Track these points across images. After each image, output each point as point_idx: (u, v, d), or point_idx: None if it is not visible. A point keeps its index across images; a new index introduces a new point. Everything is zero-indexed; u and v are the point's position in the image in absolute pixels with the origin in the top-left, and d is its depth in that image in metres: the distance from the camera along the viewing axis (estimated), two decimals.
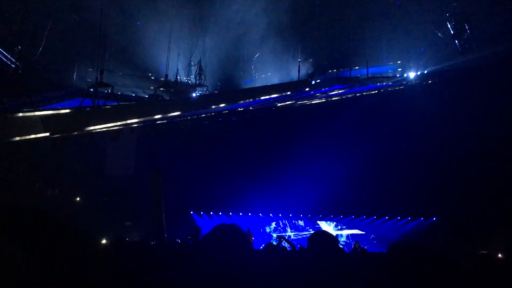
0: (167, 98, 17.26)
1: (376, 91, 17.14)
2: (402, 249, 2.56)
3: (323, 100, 17.35)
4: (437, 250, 2.46)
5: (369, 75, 14.98)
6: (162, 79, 17.33)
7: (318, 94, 16.63)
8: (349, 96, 17.28)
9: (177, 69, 17.38)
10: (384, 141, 17.30)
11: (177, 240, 9.41)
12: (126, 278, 2.45)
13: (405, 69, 15.92)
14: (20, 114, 14.84)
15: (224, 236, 2.05)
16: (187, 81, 17.55)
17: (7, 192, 15.00)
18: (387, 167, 17.65)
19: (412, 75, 15.49)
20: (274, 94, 16.22)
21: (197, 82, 17.63)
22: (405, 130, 17.07)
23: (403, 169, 17.48)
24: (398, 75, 15.88)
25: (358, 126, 18.29)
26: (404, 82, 15.68)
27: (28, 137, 15.22)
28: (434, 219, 19.48)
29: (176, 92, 16.88)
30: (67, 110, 15.77)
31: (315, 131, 17.41)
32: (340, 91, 16.59)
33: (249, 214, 21.27)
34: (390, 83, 15.80)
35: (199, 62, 17.07)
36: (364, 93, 17.18)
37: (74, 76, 16.42)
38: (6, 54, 14.85)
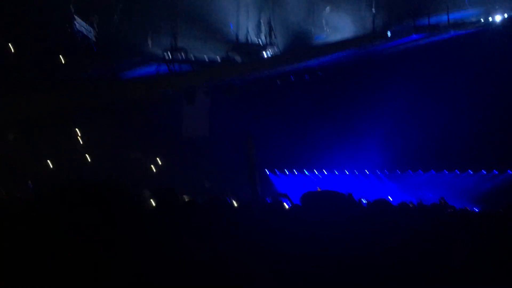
0: (239, 59, 17.70)
1: (456, 39, 16.41)
2: None
3: (399, 52, 16.92)
4: None
5: (450, 22, 14.33)
6: (233, 40, 17.73)
7: (394, 46, 16.24)
8: (427, 45, 16.69)
9: (247, 29, 17.61)
10: (463, 93, 16.55)
11: (267, 199, 9.69)
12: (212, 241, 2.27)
13: (490, 13, 15.08)
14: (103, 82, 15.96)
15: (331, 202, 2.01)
16: (258, 41, 17.71)
17: (95, 158, 16.18)
18: (469, 118, 16.94)
19: (498, 18, 14.64)
20: (348, 49, 16.09)
21: (268, 41, 17.78)
22: (487, 80, 16.24)
23: (486, 120, 16.81)
24: (482, 20, 15.09)
25: (436, 77, 17.42)
26: (489, 28, 14.88)
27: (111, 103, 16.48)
28: None
29: (248, 53, 17.18)
30: (145, 76, 16.95)
31: (391, 84, 16.70)
32: (417, 42, 16.09)
33: (324, 171, 21.37)
34: (473, 29, 15.07)
35: (269, 20, 17.12)
36: (443, 42, 16.51)
37: (149, 43, 17.09)
38: (85, 24, 15.71)
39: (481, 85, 16.34)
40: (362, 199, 14.34)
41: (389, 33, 14.73)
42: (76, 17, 14.89)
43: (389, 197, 18.88)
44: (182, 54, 16.74)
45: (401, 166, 20.46)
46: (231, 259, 1.80)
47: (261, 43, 17.68)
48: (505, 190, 18.07)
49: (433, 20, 15.13)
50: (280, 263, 1.75)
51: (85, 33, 15.38)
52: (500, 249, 2.61)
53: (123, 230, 1.39)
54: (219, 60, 17.51)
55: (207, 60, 17.66)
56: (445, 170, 20.03)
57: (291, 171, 21.55)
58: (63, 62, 14.55)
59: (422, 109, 17.67)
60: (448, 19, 14.33)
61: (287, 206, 6.57)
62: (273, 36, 17.36)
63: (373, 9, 15.66)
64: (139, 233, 1.44)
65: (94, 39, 15.79)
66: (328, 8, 17.26)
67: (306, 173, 21.66)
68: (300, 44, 17.38)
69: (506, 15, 14.66)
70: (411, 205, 7.81)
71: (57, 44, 14.40)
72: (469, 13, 15.41)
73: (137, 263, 1.38)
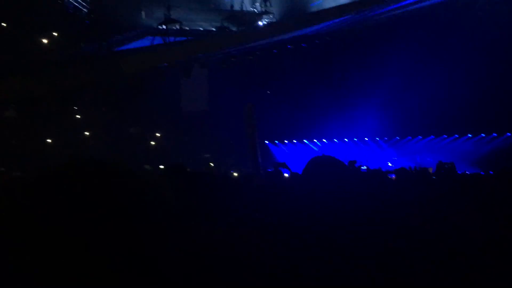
0: (234, 29, 17.46)
1: (454, 1, 16.15)
2: None
3: (396, 16, 16.66)
4: None
5: None
6: (228, 10, 17.47)
7: (390, 10, 15.99)
8: (424, 9, 16.41)
9: None
10: (462, 56, 16.45)
11: (269, 170, 9.88)
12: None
13: None
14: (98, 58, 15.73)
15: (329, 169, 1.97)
16: (253, 10, 17.47)
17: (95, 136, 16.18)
18: (467, 83, 16.84)
19: None
20: (344, 14, 15.83)
21: (263, 9, 17.54)
22: (487, 43, 16.08)
23: (484, 84, 16.73)
24: None
25: (435, 41, 17.40)
26: None
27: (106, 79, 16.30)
28: None
29: (243, 22, 16.94)
30: (140, 50, 16.69)
31: (389, 50, 16.69)
32: (414, 5, 15.83)
33: (324, 140, 21.54)
34: None
35: None
36: (441, 4, 16.20)
37: (143, 15, 16.83)
38: None
39: (478, 48, 16.19)
40: (362, 166, 14.51)
41: None
42: None
43: (389, 163, 19.40)
44: (177, 25, 16.48)
45: (400, 133, 20.64)
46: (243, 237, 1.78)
47: (256, 12, 17.46)
48: (506, 151, 18.19)
49: None
50: (282, 235, 1.74)
51: (77, 5, 15.11)
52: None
53: (128, 210, 1.33)
54: (214, 30, 17.18)
55: (202, 31, 17.40)
56: (444, 135, 20.26)
57: (290, 141, 21.71)
58: (54, 36, 14.20)
59: (420, 75, 17.60)
60: None
61: (286, 175, 6.77)
62: (268, 4, 17.12)
63: None
64: (145, 212, 1.38)
65: (86, 11, 15.44)
66: None
67: (306, 142, 21.76)
68: (296, 12, 17.16)
69: None
70: (411, 170, 7.84)
71: (47, 17, 14.05)
72: None
73: (147, 245, 1.33)
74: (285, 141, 21.64)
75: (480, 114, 17.72)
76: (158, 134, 18.40)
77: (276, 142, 21.45)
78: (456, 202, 3.05)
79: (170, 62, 16.31)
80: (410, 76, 17.63)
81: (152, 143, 18.30)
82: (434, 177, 6.78)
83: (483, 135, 19.70)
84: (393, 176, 6.23)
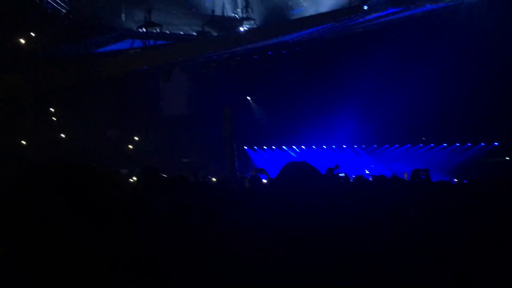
0: (215, 34, 17.48)
1: (432, 13, 16.39)
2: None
3: (376, 26, 16.85)
4: None
5: None
6: (209, 15, 17.48)
7: (370, 20, 16.20)
8: (404, 19, 16.70)
9: (223, 3, 17.36)
10: (440, 67, 16.65)
11: (247, 175, 9.97)
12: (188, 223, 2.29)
13: None
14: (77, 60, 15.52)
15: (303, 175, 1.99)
16: (234, 16, 17.52)
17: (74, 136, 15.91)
18: (443, 93, 17.15)
19: None
20: (325, 23, 16.01)
21: (244, 15, 17.62)
22: (462, 55, 16.20)
23: (460, 94, 16.91)
24: None
25: (413, 52, 17.41)
26: (465, 1, 14.92)
27: (85, 81, 16.04)
28: (497, 144, 19.04)
29: (224, 28, 16.97)
30: (119, 53, 16.53)
31: (368, 60, 16.84)
32: (394, 15, 16.08)
33: (303, 147, 21.63)
34: (449, 3, 15.09)
35: None
36: (419, 16, 16.48)
37: (123, 18, 16.72)
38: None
39: (456, 60, 16.32)
40: (340, 173, 14.63)
41: (365, 7, 14.67)
42: None
43: (366, 170, 19.65)
44: (157, 29, 16.41)
45: (377, 141, 20.92)
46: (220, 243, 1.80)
47: (237, 17, 17.51)
48: (478, 161, 18.65)
49: None
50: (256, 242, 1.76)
51: (56, 6, 14.94)
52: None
53: (102, 214, 1.34)
54: (195, 35, 17.17)
55: (182, 35, 17.36)
56: (420, 144, 20.65)
57: (269, 147, 21.76)
58: (32, 37, 13.96)
59: (399, 84, 17.75)
60: None
61: (264, 181, 6.79)
62: (249, 11, 17.18)
63: None
64: (120, 217, 1.40)
65: (65, 12, 15.25)
66: None
67: (285, 148, 21.82)
68: (277, 19, 17.26)
69: None
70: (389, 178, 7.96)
71: (25, 17, 13.79)
72: None
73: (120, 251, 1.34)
74: (264, 147, 21.71)
75: (456, 123, 18.07)
76: (136, 138, 18.15)
77: (255, 148, 21.52)
78: (429, 207, 3.12)
79: (150, 65, 16.21)
80: (389, 85, 17.80)
81: (130, 146, 18.00)
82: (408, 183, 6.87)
83: (458, 144, 20.02)
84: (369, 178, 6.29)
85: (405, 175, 13.71)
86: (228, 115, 12.75)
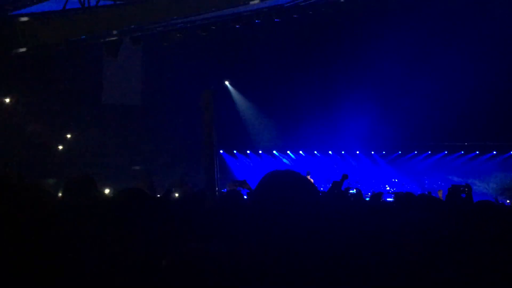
0: None
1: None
2: None
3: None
4: None
5: None
6: None
7: None
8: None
9: None
10: (485, 44, 17.05)
11: (223, 190, 9.94)
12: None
13: None
14: None
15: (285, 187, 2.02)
16: None
17: None
18: (492, 79, 17.38)
19: None
20: None
21: None
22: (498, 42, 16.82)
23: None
24: None
25: (448, 25, 17.80)
26: None
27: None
28: None
29: None
30: (47, 16, 15.79)
31: (390, 32, 16.78)
32: None
33: (301, 152, 21.93)
34: None
35: None
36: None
37: None
38: None
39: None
40: (351, 189, 14.89)
41: None
42: None
43: (387, 186, 20.27)
44: None
45: (402, 145, 21.29)
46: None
47: None
48: None
49: None
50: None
51: None
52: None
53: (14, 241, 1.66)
54: None
55: None
56: (461, 151, 20.98)
57: (254, 152, 22.04)
58: None
59: (430, 67, 17.97)
60: None
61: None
62: None
63: None
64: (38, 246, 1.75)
65: None
66: None
67: (276, 154, 22.18)
68: None
69: None
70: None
71: None
72: None
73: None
74: (248, 151, 21.96)
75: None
76: (68, 136, 18.12)
77: (235, 152, 21.71)
78: (473, 239, 3.09)
79: (89, 34, 16.17)
80: (417, 68, 18.15)
81: (60, 147, 17.98)
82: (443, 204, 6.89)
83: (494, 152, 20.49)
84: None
85: (440, 193, 13.90)
86: (209, 100, 11.99)
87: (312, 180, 17.77)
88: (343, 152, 21.74)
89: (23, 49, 15.66)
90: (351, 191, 13.24)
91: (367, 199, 8.85)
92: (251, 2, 15.07)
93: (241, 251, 1.94)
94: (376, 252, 2.47)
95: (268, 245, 1.89)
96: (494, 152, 20.41)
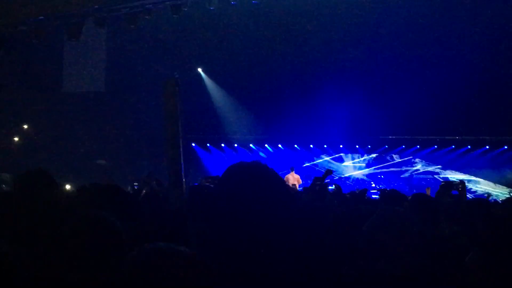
0: None
1: None
2: None
3: None
4: None
5: None
6: None
7: None
8: None
9: None
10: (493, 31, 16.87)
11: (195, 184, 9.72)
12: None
13: None
14: None
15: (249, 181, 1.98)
16: None
17: None
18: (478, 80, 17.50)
19: None
20: None
21: None
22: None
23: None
24: None
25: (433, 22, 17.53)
26: None
27: None
28: None
29: None
30: None
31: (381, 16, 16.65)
32: None
33: (280, 146, 21.97)
34: None
35: None
36: None
37: None
38: None
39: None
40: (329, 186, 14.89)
41: None
42: None
43: (372, 183, 21.07)
44: None
45: (389, 139, 21.51)
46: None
47: None
48: None
49: None
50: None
51: None
52: None
53: None
54: None
55: None
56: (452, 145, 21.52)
57: (229, 145, 22.29)
58: None
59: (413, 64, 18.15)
60: None
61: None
62: None
63: None
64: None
65: None
66: None
67: (253, 147, 22.44)
68: None
69: None
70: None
71: None
72: None
73: None
74: (222, 144, 22.17)
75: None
76: (25, 126, 17.98)
77: (208, 145, 21.96)
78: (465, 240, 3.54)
79: (49, 14, 15.65)
80: (392, 67, 18.06)
81: (16, 139, 17.81)
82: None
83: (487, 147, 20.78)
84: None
85: (428, 191, 13.37)
86: (172, 90, 11.01)
87: (298, 176, 17.67)
88: (325, 146, 21.77)
89: None
90: (330, 187, 12.92)
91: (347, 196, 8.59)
92: None
93: (205, 252, 1.90)
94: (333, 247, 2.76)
95: (228, 245, 1.89)
96: (487, 147, 20.54)
